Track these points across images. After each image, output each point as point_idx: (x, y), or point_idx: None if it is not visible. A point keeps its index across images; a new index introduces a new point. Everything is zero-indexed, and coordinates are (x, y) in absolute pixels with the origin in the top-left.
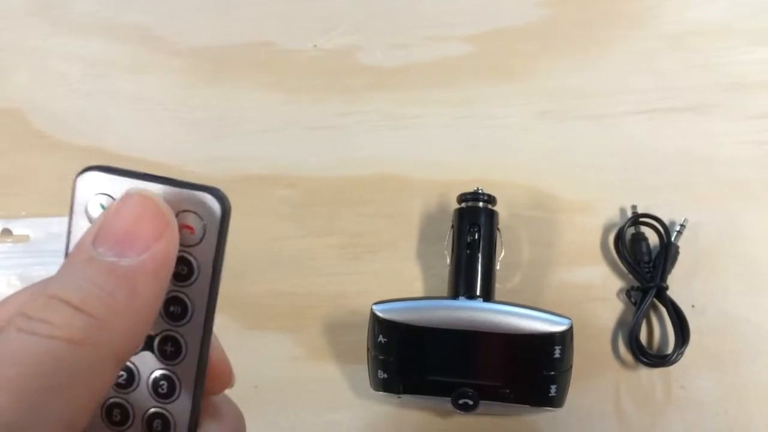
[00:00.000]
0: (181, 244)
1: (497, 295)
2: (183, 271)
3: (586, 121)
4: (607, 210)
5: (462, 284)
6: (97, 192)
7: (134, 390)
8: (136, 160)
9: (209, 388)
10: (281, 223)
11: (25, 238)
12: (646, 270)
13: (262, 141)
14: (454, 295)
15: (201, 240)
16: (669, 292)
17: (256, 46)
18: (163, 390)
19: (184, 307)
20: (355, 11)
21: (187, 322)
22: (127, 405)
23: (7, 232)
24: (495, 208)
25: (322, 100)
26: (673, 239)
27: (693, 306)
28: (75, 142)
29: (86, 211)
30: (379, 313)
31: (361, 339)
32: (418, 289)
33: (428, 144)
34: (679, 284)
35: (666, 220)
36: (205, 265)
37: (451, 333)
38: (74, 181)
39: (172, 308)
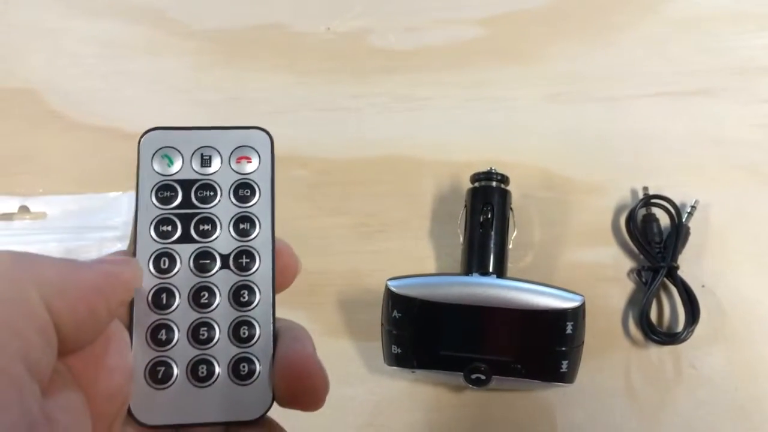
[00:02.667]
0: (241, 173)
1: (509, 274)
2: (247, 193)
3: (597, 104)
4: (619, 191)
5: (475, 261)
6: (160, 146)
7: (216, 308)
8: None
9: (282, 280)
10: (295, 203)
11: (42, 215)
12: (657, 250)
13: (275, 122)
14: (467, 271)
15: (258, 167)
16: (679, 272)
17: (269, 28)
18: (244, 298)
19: (251, 223)
20: None
21: (257, 235)
22: (213, 322)
23: (24, 209)
24: (508, 188)
25: (335, 83)
26: (684, 220)
27: (703, 286)
28: (89, 122)
29: (152, 165)
30: (393, 289)
31: (374, 316)
32: (429, 268)
33: (440, 126)
34: (689, 264)
35: (677, 201)
36: (264, 186)
37: (465, 308)
38: (138, 142)
39: (242, 226)
